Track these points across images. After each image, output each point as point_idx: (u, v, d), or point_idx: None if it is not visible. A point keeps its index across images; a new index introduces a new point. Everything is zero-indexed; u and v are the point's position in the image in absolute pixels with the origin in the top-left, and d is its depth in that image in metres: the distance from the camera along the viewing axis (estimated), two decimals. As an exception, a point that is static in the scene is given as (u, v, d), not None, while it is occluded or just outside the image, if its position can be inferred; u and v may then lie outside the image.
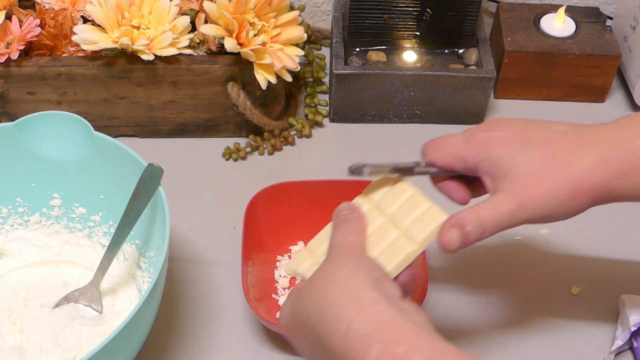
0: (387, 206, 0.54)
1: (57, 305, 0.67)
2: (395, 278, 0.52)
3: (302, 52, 0.81)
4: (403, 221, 0.53)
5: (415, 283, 0.65)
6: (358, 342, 0.42)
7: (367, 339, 0.42)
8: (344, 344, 0.43)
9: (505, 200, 0.51)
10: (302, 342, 0.49)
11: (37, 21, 0.77)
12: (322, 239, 0.55)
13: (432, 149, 0.55)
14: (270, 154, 0.84)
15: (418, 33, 0.89)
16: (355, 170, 0.53)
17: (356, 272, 0.47)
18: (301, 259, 0.55)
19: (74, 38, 0.77)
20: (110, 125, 0.83)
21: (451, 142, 0.55)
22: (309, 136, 0.87)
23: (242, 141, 0.85)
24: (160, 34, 0.77)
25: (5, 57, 0.77)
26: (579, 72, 0.89)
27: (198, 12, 0.80)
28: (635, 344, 0.66)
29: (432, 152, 0.55)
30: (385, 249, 0.52)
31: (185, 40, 0.79)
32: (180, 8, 0.79)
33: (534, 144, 0.52)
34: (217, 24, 0.76)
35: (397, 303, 0.45)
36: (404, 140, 0.87)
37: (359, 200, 0.56)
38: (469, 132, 0.55)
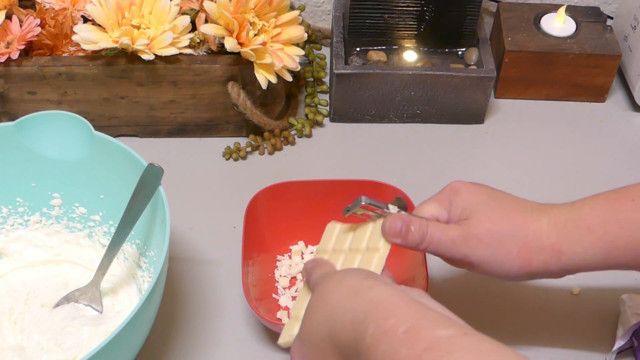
0: (341, 246, 0.58)
1: (57, 305, 0.67)
2: None
3: (302, 52, 0.81)
4: (360, 245, 0.56)
5: (414, 285, 0.65)
6: (361, 326, 0.45)
7: (365, 320, 0.44)
8: (353, 332, 0.45)
9: (452, 230, 0.56)
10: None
11: (38, 21, 0.77)
12: (301, 303, 0.55)
13: (420, 205, 0.59)
14: (271, 153, 0.84)
15: (418, 33, 0.89)
16: (353, 205, 0.56)
17: (347, 276, 0.50)
18: (291, 325, 0.55)
19: (74, 38, 0.77)
20: (110, 125, 0.83)
21: (433, 196, 0.59)
22: (309, 136, 0.87)
23: (243, 141, 0.85)
24: (160, 34, 0.77)
25: (6, 56, 0.77)
26: (580, 72, 0.89)
27: (198, 11, 0.80)
28: (636, 344, 0.66)
29: (420, 207, 0.59)
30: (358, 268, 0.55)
31: (185, 40, 0.79)
32: (181, 8, 0.79)
33: (497, 200, 0.57)
34: (217, 23, 0.76)
35: (392, 284, 0.48)
36: (404, 140, 0.87)
37: (317, 256, 0.60)
38: (448, 184, 0.59)
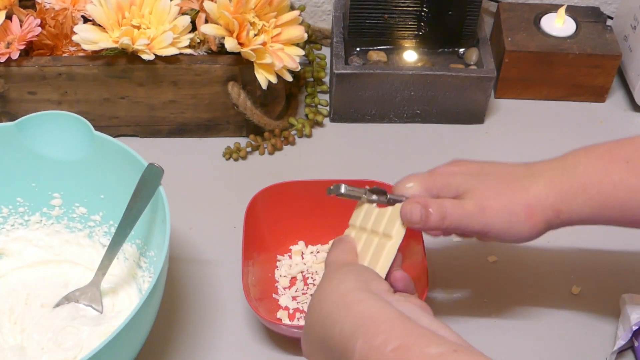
0: (366, 224, 0.59)
1: (57, 305, 0.67)
2: (388, 277, 0.55)
3: (302, 52, 0.81)
4: (379, 227, 0.57)
5: (415, 282, 0.65)
6: (349, 341, 0.45)
7: (353, 335, 0.45)
8: (341, 345, 0.46)
9: (466, 203, 0.56)
10: (320, 358, 0.51)
11: (38, 21, 0.77)
12: None
13: (400, 183, 0.60)
14: (271, 153, 0.84)
15: (418, 33, 0.89)
16: (333, 189, 0.59)
17: (344, 278, 0.51)
18: None
19: (74, 38, 0.77)
20: (110, 125, 0.83)
21: (417, 176, 0.59)
22: (309, 136, 0.87)
23: (243, 141, 0.85)
24: (160, 34, 0.77)
25: (6, 56, 0.77)
26: (580, 72, 0.89)
27: (198, 11, 0.80)
28: (636, 343, 0.66)
29: (400, 185, 0.59)
30: (372, 255, 0.56)
31: (185, 40, 0.79)
32: (181, 8, 0.79)
33: (490, 175, 0.58)
34: (217, 23, 0.76)
35: (384, 296, 0.49)
36: (405, 140, 0.87)
37: (346, 231, 0.61)
38: (432, 169, 0.60)
